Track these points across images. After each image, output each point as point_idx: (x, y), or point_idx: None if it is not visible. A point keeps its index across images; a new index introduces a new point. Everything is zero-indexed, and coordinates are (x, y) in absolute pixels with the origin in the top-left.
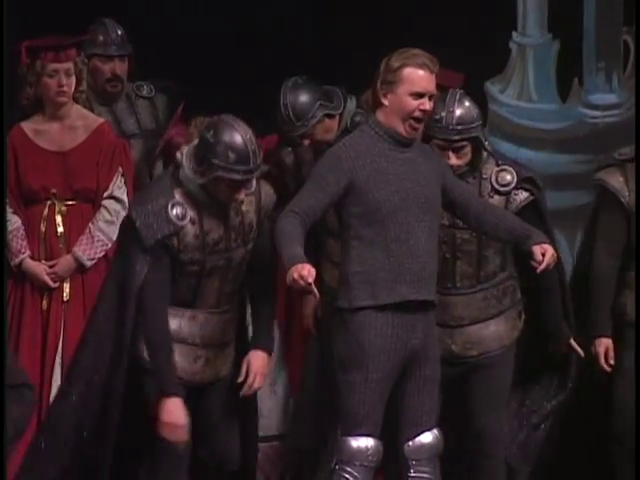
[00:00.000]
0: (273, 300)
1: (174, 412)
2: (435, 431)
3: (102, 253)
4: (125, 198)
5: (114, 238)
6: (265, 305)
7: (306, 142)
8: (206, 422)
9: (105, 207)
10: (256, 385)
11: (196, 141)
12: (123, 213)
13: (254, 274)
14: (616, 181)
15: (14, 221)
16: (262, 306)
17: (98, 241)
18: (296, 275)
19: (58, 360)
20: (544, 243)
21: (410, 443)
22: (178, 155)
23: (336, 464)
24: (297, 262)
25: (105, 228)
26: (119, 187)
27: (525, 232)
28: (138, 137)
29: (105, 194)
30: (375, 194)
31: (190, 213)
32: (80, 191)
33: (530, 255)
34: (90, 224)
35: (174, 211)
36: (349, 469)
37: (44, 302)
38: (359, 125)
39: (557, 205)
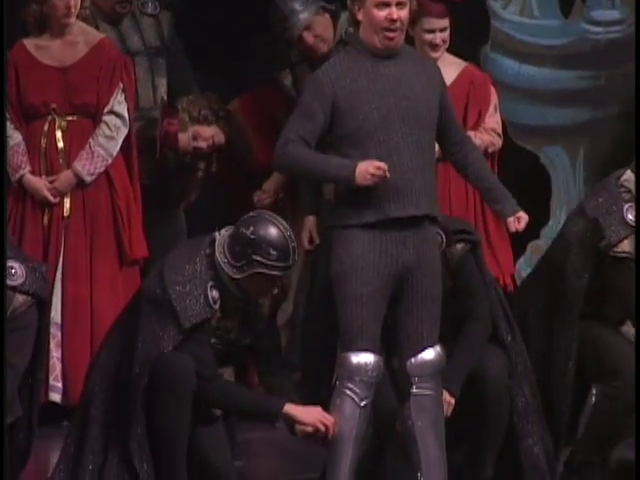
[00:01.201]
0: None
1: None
2: (437, 347)
3: (102, 169)
4: (125, 114)
5: (114, 153)
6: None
7: (308, 36)
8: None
9: (105, 122)
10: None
11: (229, 231)
12: (124, 129)
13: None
14: (633, 248)
15: (15, 137)
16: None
17: (98, 156)
18: (372, 169)
19: (59, 276)
20: (517, 212)
21: (412, 360)
22: (217, 236)
23: (336, 380)
24: (355, 163)
25: (105, 143)
26: (119, 102)
27: (493, 191)
28: (142, 55)
29: (105, 109)
30: (354, 114)
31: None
32: (80, 106)
33: (505, 224)
34: (90, 139)
35: (212, 293)
36: (350, 385)
37: (45, 218)
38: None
39: (559, 122)
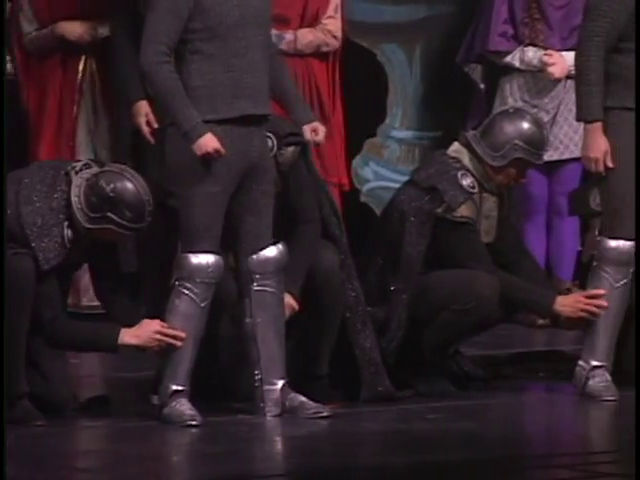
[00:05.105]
0: None
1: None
2: (280, 245)
3: None
4: None
5: None
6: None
7: None
8: None
9: None
10: None
11: (87, 176)
12: None
13: None
14: (474, 214)
15: None
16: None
17: None
18: (210, 149)
19: None
20: (312, 122)
21: (255, 257)
22: (72, 174)
23: (176, 280)
24: (202, 132)
25: None
26: None
27: (293, 98)
28: None
29: None
30: (217, 9)
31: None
32: None
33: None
34: None
35: (68, 233)
36: (189, 285)
37: None
38: None
39: (395, 19)
